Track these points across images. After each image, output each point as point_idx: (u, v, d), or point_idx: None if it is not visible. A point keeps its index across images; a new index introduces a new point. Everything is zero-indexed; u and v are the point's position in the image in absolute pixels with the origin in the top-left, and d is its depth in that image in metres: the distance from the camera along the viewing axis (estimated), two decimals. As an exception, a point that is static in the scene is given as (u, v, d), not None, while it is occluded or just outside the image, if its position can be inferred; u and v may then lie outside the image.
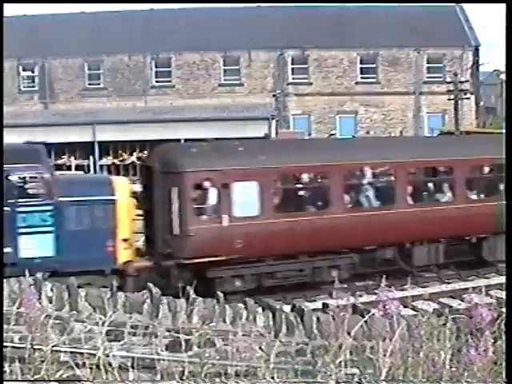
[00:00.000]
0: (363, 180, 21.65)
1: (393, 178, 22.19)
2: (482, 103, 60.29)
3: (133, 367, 7.70)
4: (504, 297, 12.04)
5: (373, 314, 8.17)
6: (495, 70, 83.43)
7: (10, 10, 41.62)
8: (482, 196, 23.34)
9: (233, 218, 19.42)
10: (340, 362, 6.74)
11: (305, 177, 21.08)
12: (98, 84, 55.75)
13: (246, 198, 19.72)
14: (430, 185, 23.20)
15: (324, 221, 20.42)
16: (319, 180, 21.82)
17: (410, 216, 21.47)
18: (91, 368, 7.38)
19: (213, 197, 19.49)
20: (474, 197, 23.20)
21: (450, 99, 46.92)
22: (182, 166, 19.42)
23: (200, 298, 9.20)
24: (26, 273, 8.92)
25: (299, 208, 20.98)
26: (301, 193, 21.33)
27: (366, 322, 8.21)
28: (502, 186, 22.61)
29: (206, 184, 19.45)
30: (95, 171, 45.51)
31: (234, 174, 19.50)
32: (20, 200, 18.03)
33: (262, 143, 25.52)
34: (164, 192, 19.35)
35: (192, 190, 19.46)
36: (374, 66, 55.16)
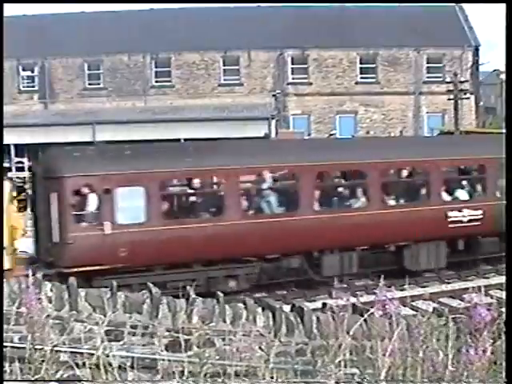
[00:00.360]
0: (263, 184, 20.38)
1: (296, 183, 20.67)
2: (481, 103, 60.31)
3: (132, 367, 7.71)
4: (504, 296, 12.04)
5: (372, 314, 8.18)
6: (495, 70, 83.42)
7: (9, 9, 41.64)
8: (402, 201, 21.99)
9: (116, 225, 18.33)
10: (339, 362, 6.75)
11: (196, 182, 19.80)
12: (98, 84, 55.76)
13: (130, 205, 18.66)
14: (341, 189, 21.89)
15: (218, 228, 19.18)
16: (213, 185, 20.64)
17: (316, 223, 20.07)
18: (91, 368, 7.39)
19: (94, 203, 18.48)
20: (392, 202, 21.79)
21: (449, 99, 46.89)
22: (60, 171, 18.45)
23: (200, 298, 9.21)
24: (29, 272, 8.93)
25: (191, 214, 19.79)
26: (193, 198, 20.21)
27: (365, 321, 8.21)
28: (423, 191, 22.04)
29: (86, 189, 18.46)
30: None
31: (116, 179, 18.43)
32: None
33: (154, 146, 24.12)
34: (45, 198, 18.53)
35: (71, 196, 18.49)
36: (373, 65, 55.17)
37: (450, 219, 21.71)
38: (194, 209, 20.02)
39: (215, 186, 20.55)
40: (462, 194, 22.61)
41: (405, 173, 22.21)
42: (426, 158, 21.85)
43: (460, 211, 21.88)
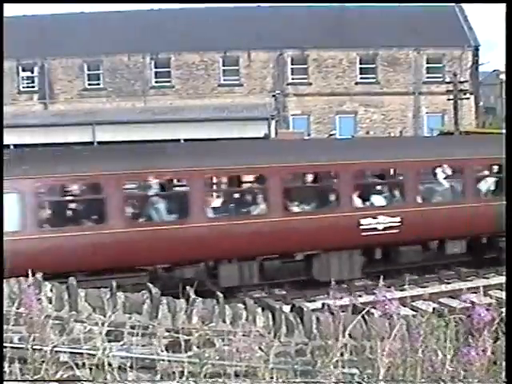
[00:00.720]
0: (149, 191, 19.16)
1: (186, 189, 19.31)
2: (481, 103, 60.36)
3: (132, 367, 7.71)
4: (503, 296, 12.02)
5: (372, 314, 8.18)
6: (495, 70, 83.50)
7: (9, 10, 41.64)
8: (308, 208, 20.43)
9: None
10: (337, 362, 6.76)
11: (75, 188, 18.65)
12: (98, 84, 55.81)
13: (5, 212, 17.17)
14: (237, 195, 20.70)
15: (100, 236, 17.90)
16: (93, 192, 19.07)
17: (210, 231, 18.70)
18: (91, 368, 7.39)
19: None
20: (296, 209, 20.20)
21: (449, 99, 46.96)
22: None
23: (200, 299, 9.21)
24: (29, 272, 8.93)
25: (70, 222, 18.57)
26: (72, 205, 19.00)
27: (364, 321, 8.22)
28: (332, 197, 20.48)
29: None
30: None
31: None
32: None
33: (33, 151, 22.29)
34: None
35: None
36: (373, 66, 55.22)
37: (362, 227, 20.14)
38: (75, 216, 18.84)
39: (97, 193, 18.87)
40: (377, 200, 21.05)
41: (310, 177, 20.61)
42: (332, 162, 20.36)
43: (374, 218, 20.33)
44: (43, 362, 7.27)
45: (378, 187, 21.45)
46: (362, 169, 21.39)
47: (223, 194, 20.97)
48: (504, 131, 25.86)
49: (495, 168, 22.24)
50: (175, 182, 20.25)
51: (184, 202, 18.98)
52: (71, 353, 8.04)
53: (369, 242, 20.37)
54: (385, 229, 20.33)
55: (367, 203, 20.87)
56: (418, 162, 21.09)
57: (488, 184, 22.32)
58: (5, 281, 8.82)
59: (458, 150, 22.01)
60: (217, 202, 20.37)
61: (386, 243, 20.73)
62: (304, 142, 29.65)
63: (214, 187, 20.81)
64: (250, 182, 20.88)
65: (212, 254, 19.05)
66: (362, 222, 20.15)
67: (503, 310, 7.03)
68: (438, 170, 21.82)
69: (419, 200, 21.15)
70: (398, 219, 20.47)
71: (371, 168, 21.78)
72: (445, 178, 21.89)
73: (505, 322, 6.76)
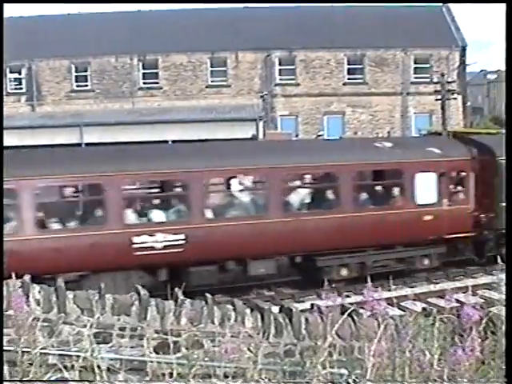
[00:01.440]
0: None
1: None
2: (468, 103, 60.53)
3: (121, 369, 7.71)
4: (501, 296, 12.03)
5: (361, 315, 8.20)
6: (482, 71, 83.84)
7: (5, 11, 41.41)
8: (71, 224, 18.28)
9: None
10: (323, 362, 6.77)
11: None
12: (86, 86, 55.65)
13: None
14: None
15: None
16: None
17: None
18: (80, 371, 7.38)
19: None
20: (57, 226, 18.01)
21: (437, 99, 47.04)
22: None
23: (188, 300, 9.21)
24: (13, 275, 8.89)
25: None
26: None
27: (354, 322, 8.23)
28: (99, 212, 18.18)
29: None
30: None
31: None
32: None
33: None
34: None
35: None
36: (361, 66, 55.28)
37: (135, 245, 18.02)
38: None
39: None
40: (156, 215, 18.82)
41: (69, 191, 18.52)
42: (97, 174, 18.01)
43: (151, 236, 18.15)
44: (31, 364, 7.25)
45: (157, 201, 19.24)
46: (134, 181, 19.27)
47: None
48: (494, 131, 25.70)
49: (307, 177, 20.41)
50: None
51: None
52: (60, 355, 8.03)
53: (145, 262, 18.27)
54: (165, 247, 18.27)
55: (143, 219, 18.78)
56: (204, 172, 18.87)
57: (301, 196, 20.08)
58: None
59: (259, 158, 19.80)
60: None
61: (169, 263, 18.56)
62: (72, 150, 25.98)
63: None
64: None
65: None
66: (135, 240, 18.09)
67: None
68: (233, 181, 19.69)
69: (209, 215, 19.06)
70: (181, 236, 18.41)
71: (146, 179, 19.52)
72: (243, 190, 19.74)
73: (505, 322, 6.80)
